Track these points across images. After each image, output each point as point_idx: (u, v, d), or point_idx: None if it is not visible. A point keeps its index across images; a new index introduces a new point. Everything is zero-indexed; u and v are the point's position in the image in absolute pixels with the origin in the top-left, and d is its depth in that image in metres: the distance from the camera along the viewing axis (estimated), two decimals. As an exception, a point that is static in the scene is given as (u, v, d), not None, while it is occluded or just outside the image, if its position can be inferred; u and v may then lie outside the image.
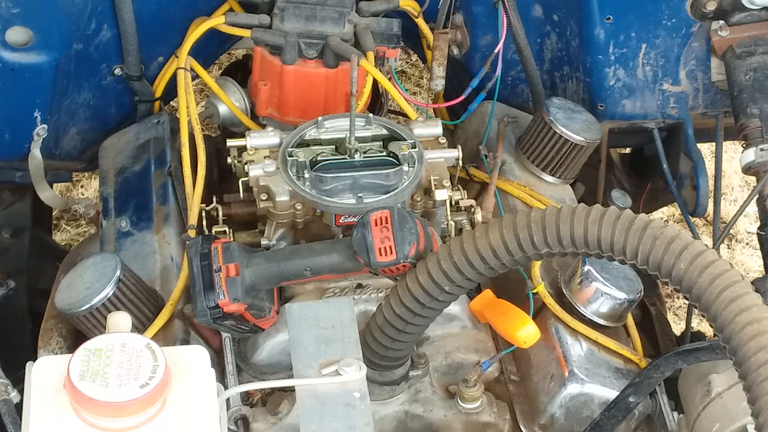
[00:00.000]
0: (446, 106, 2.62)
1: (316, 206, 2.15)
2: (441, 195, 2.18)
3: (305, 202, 2.15)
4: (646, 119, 2.63)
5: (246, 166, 2.20)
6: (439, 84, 2.55)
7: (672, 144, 2.65)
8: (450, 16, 2.59)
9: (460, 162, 2.28)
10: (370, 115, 2.27)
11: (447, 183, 2.20)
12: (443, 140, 2.31)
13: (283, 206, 2.15)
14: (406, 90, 2.67)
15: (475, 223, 2.23)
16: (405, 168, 2.16)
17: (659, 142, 2.63)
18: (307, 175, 2.14)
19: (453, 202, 2.23)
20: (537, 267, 2.18)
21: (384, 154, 2.20)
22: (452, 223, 2.20)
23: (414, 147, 2.19)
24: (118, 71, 2.54)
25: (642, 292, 2.16)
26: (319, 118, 2.24)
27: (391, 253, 1.90)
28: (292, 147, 2.19)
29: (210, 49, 2.65)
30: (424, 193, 2.20)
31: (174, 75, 2.52)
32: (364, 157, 2.18)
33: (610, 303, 2.14)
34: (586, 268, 2.13)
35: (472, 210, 2.24)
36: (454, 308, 2.13)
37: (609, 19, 2.49)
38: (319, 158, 2.18)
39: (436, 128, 2.31)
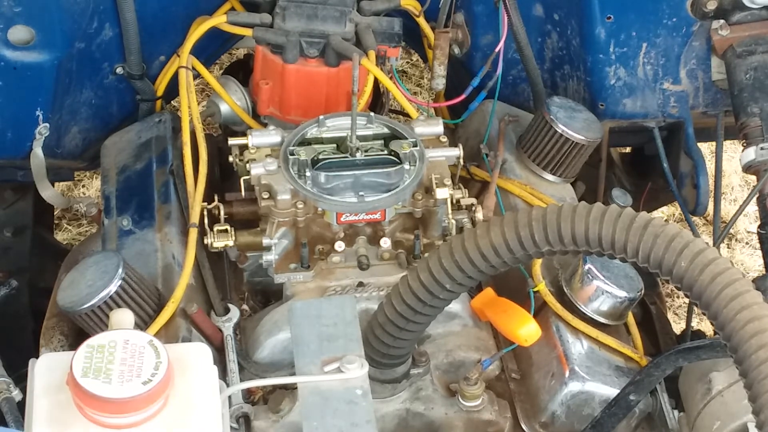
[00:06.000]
0: (447, 105, 2.62)
1: (318, 205, 2.15)
2: (442, 193, 2.18)
3: (306, 200, 2.15)
4: (646, 118, 2.63)
5: (247, 165, 2.20)
6: (440, 83, 2.56)
7: (672, 143, 2.66)
8: (451, 16, 2.59)
9: (461, 161, 2.29)
10: (372, 113, 2.28)
11: (448, 181, 2.21)
12: (444, 139, 2.31)
13: (285, 205, 2.16)
14: (408, 89, 2.67)
15: (476, 221, 2.23)
16: (406, 166, 2.17)
17: (660, 141, 2.63)
18: (308, 174, 2.14)
19: (454, 201, 2.23)
20: (538, 265, 2.19)
21: (385, 152, 2.21)
22: (453, 221, 2.20)
23: (415, 146, 2.19)
24: (119, 70, 2.54)
25: (643, 291, 2.17)
26: (321, 117, 2.24)
27: None
28: (293, 146, 2.19)
29: (211, 48, 2.65)
30: (425, 191, 2.21)
31: (175, 74, 2.52)
32: (365, 156, 2.19)
33: (611, 301, 2.14)
34: (587, 266, 2.13)
35: (473, 208, 2.24)
36: (455, 306, 2.13)
37: (610, 18, 2.49)
38: (320, 157, 2.18)
39: (437, 127, 2.32)
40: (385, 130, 2.25)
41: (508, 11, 2.44)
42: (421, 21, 2.60)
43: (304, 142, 2.22)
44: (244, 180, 2.21)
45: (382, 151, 2.22)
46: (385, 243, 2.20)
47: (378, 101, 2.61)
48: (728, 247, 3.86)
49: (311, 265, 2.18)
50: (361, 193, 2.13)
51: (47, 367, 1.61)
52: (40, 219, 2.86)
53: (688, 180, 2.65)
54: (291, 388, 2.02)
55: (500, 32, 2.47)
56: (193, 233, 2.17)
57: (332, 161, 2.17)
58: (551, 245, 1.82)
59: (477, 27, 2.62)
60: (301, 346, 1.78)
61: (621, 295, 2.14)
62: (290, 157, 2.16)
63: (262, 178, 2.18)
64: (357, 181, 2.14)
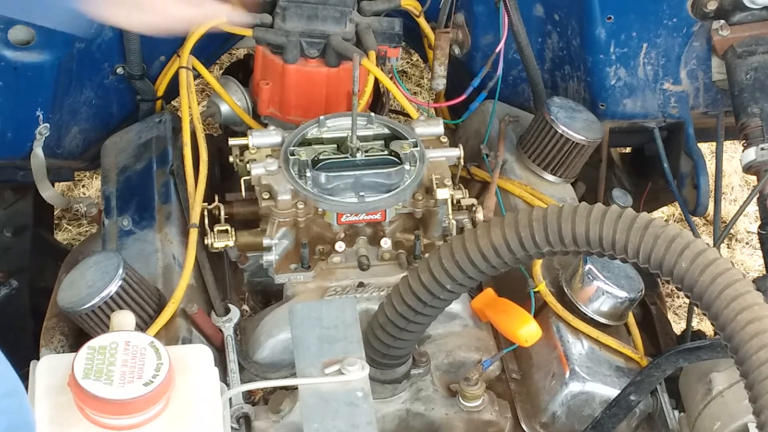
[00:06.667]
0: (447, 105, 2.62)
1: (318, 205, 2.15)
2: (442, 194, 2.19)
3: (307, 200, 2.15)
4: (646, 119, 2.63)
5: (248, 165, 2.20)
6: (441, 83, 2.56)
7: (673, 143, 2.66)
8: (451, 16, 2.59)
9: (462, 161, 2.29)
10: (372, 114, 2.28)
11: (448, 182, 2.21)
12: (445, 139, 2.31)
13: (285, 205, 2.16)
14: (408, 89, 2.67)
15: (476, 221, 2.23)
16: (406, 167, 2.17)
17: (660, 141, 2.63)
18: (308, 174, 2.14)
19: (454, 201, 2.23)
20: (538, 266, 2.19)
21: (386, 153, 2.21)
22: (453, 221, 2.20)
23: (415, 146, 2.20)
24: (120, 70, 2.54)
25: (643, 291, 2.17)
26: (321, 117, 2.24)
27: None
28: (293, 146, 2.19)
29: (212, 48, 2.65)
30: (425, 192, 2.21)
31: (176, 74, 2.52)
32: (365, 156, 2.19)
33: (612, 302, 2.14)
34: (588, 266, 2.13)
35: (474, 209, 2.24)
36: (455, 307, 2.13)
37: (610, 18, 2.49)
38: (320, 157, 2.18)
39: (437, 127, 2.32)
40: (386, 131, 2.25)
41: (508, 11, 2.44)
42: (422, 21, 2.60)
43: (305, 143, 2.22)
44: (244, 180, 2.21)
45: (382, 151, 2.22)
46: (386, 243, 2.20)
47: (378, 101, 2.61)
48: (728, 248, 3.86)
49: (311, 265, 2.18)
50: (361, 194, 2.13)
51: (48, 369, 1.61)
52: (40, 219, 2.86)
53: (689, 180, 2.65)
54: (291, 389, 2.03)
55: (500, 32, 2.47)
56: (194, 233, 2.18)
57: (333, 161, 2.17)
58: (552, 246, 1.82)
59: (477, 27, 2.62)
60: (301, 348, 1.78)
61: (621, 296, 2.14)
62: (291, 157, 2.17)
63: (262, 178, 2.18)
64: (357, 181, 2.15)
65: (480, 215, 2.24)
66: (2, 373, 1.37)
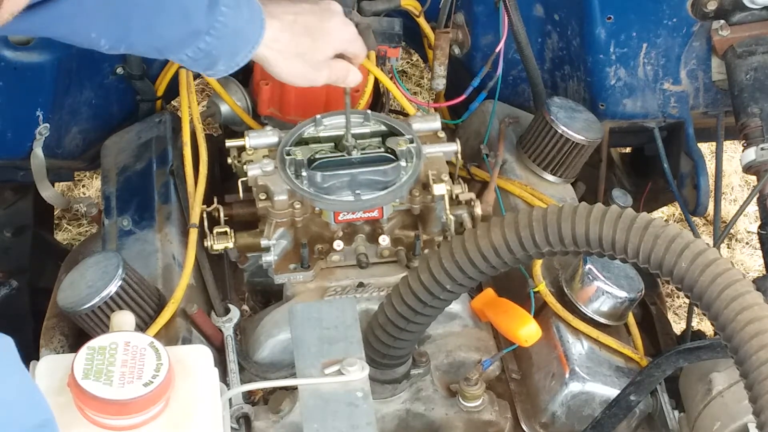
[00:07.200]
0: (447, 105, 2.62)
1: (315, 204, 2.15)
2: (439, 189, 2.17)
3: (304, 200, 2.15)
4: (646, 119, 2.63)
5: (245, 166, 2.20)
6: (440, 83, 2.56)
7: (673, 143, 2.66)
8: (451, 16, 2.59)
9: (459, 155, 2.28)
10: (369, 111, 2.27)
11: (446, 177, 2.20)
12: (442, 134, 2.30)
13: (282, 205, 2.15)
14: (408, 89, 2.67)
15: (474, 216, 2.23)
16: (403, 163, 2.17)
17: (660, 141, 2.63)
18: (305, 174, 2.14)
19: (453, 196, 2.22)
20: (538, 266, 2.18)
21: (382, 150, 2.21)
22: (451, 217, 2.20)
23: (412, 142, 2.19)
24: (120, 70, 2.54)
25: (643, 291, 2.17)
26: (318, 116, 2.24)
27: None
28: (290, 146, 2.19)
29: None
30: (422, 188, 2.20)
31: (176, 74, 2.52)
32: (362, 154, 2.19)
33: (611, 302, 2.14)
34: (588, 267, 2.13)
35: (472, 203, 2.24)
36: (455, 307, 2.13)
37: (610, 18, 2.49)
38: (316, 156, 2.18)
39: (434, 123, 2.31)
40: (383, 128, 2.25)
41: (508, 11, 2.44)
42: (422, 21, 2.60)
43: (301, 142, 2.22)
44: (241, 181, 2.21)
45: (378, 148, 2.21)
46: (384, 240, 2.20)
47: (378, 101, 2.61)
48: (728, 248, 3.86)
49: (311, 264, 2.18)
50: (357, 192, 2.13)
51: (48, 369, 1.61)
52: (41, 219, 2.86)
53: (689, 180, 2.65)
54: (291, 389, 2.03)
55: (500, 32, 2.47)
56: (193, 233, 2.17)
57: (328, 160, 2.17)
58: (552, 246, 1.82)
59: (477, 27, 2.62)
60: (301, 349, 1.78)
61: (621, 296, 2.14)
62: (287, 157, 2.16)
63: (259, 179, 2.18)
64: (353, 179, 2.14)
65: (478, 210, 2.23)
66: (36, 403, 1.37)
